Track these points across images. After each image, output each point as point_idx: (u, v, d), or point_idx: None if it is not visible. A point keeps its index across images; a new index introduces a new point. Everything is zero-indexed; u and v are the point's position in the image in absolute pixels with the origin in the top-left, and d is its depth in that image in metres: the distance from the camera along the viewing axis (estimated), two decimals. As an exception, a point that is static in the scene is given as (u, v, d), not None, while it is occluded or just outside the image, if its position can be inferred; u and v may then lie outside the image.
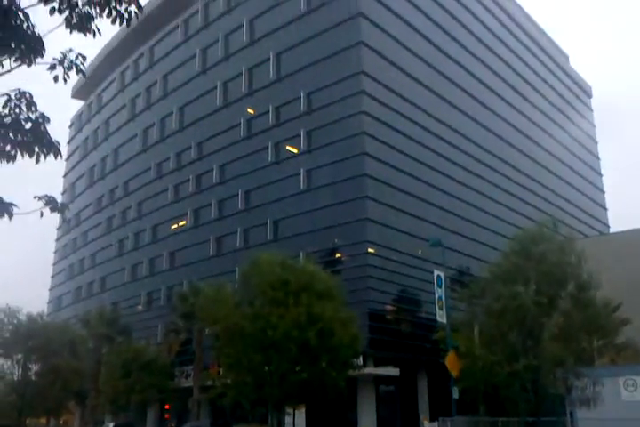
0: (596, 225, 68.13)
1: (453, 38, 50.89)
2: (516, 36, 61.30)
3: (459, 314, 31.47)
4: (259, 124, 47.61)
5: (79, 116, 75.08)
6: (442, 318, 33.97)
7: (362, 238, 39.66)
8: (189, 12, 55.67)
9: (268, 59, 46.90)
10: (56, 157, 6.20)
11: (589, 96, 79.10)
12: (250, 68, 48.82)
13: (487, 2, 57.22)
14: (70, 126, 77.64)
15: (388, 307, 40.91)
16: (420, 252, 41.81)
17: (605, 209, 74.25)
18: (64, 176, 76.37)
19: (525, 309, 20.73)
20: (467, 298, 26.28)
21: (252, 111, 48.47)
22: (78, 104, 75.74)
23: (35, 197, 6.25)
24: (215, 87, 51.41)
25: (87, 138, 71.07)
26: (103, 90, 68.46)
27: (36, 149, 6.09)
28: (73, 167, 73.87)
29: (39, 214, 6.27)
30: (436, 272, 35.33)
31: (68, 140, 77.09)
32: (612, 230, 67.74)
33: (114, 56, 63.77)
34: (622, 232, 47.20)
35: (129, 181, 60.88)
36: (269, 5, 47.73)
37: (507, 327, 22.15)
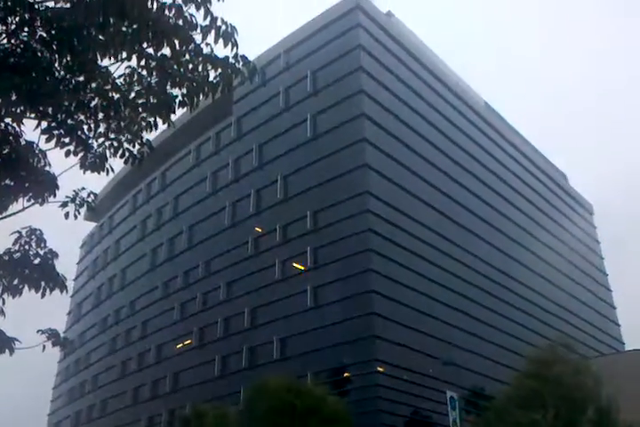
0: (609, 341, 66.45)
1: (456, 162, 53.04)
2: (515, 159, 63.87)
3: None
4: (266, 242, 48.33)
5: (91, 236, 76.59)
6: (457, 443, 32.16)
7: (370, 357, 38.69)
8: (202, 139, 58.69)
9: (276, 180, 48.68)
10: (62, 292, 6.39)
11: (591, 213, 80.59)
12: (258, 189, 50.54)
13: (484, 127, 60.27)
14: (81, 247, 78.94)
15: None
16: (431, 371, 40.50)
17: (618, 325, 72.74)
18: (71, 296, 76.22)
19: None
20: (483, 424, 25.10)
21: (259, 230, 49.44)
22: (90, 225, 77.52)
23: (38, 331, 6.37)
24: (224, 207, 52.90)
25: (97, 258, 71.95)
26: (115, 212, 70.43)
27: (43, 284, 6.31)
28: (81, 287, 74.05)
29: (41, 348, 6.34)
30: (448, 393, 33.99)
31: (77, 260, 78.02)
32: (626, 346, 65.83)
33: (127, 180, 66.30)
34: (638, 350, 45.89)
35: (135, 300, 60.71)
36: (277, 132, 50.40)
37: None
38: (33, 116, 6.58)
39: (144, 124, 7.10)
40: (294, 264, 45.79)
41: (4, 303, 6.47)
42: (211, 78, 6.68)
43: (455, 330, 44.83)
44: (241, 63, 6.49)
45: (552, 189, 70.20)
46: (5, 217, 6.43)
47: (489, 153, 59.09)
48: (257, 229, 49.71)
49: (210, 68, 6.47)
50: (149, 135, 7.42)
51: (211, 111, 54.72)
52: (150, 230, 62.36)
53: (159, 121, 7.16)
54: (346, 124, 45.36)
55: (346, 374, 39.91)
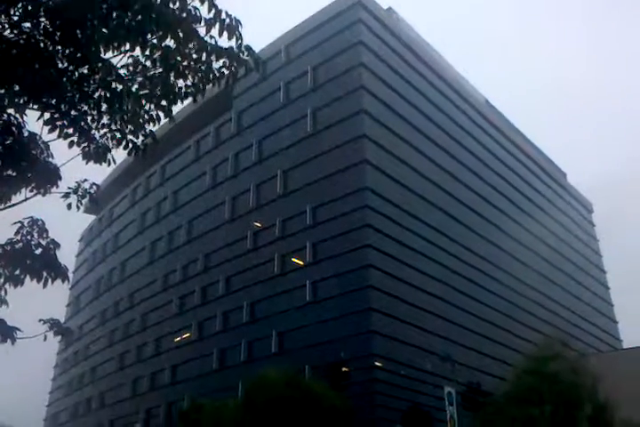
0: (606, 339, 66.65)
1: (456, 159, 53.08)
2: (514, 156, 63.88)
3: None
4: (265, 236, 48.38)
5: (90, 230, 76.61)
6: (454, 438, 32.32)
7: (368, 351, 38.82)
8: (201, 133, 58.62)
9: (276, 175, 48.68)
10: (63, 282, 6.42)
11: (590, 211, 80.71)
12: (258, 184, 50.54)
13: (485, 125, 60.27)
14: (80, 240, 78.96)
15: (397, 425, 39.01)
16: (429, 366, 40.67)
17: (615, 322, 72.95)
18: (70, 288, 76.30)
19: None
20: (481, 420, 25.24)
21: (258, 225, 49.48)
22: (89, 218, 77.52)
23: (39, 321, 6.41)
24: (224, 202, 52.91)
25: (96, 251, 72.00)
26: (115, 205, 70.43)
27: (45, 274, 6.34)
28: (80, 279, 74.11)
29: (43, 338, 6.38)
30: (446, 389, 34.11)
31: (77, 253, 78.06)
32: (624, 344, 66.03)
33: (127, 174, 66.28)
34: (636, 348, 46.01)
35: (134, 293, 60.80)
36: (277, 127, 50.36)
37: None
38: (36, 107, 6.59)
39: (147, 117, 7.11)
40: (293, 259, 45.86)
41: (5, 293, 6.50)
42: (215, 69, 6.68)
43: (453, 326, 44.97)
44: (245, 53, 6.50)
45: (551, 186, 70.31)
46: (7, 207, 6.47)
47: (489, 150, 59.14)
48: (256, 223, 49.74)
49: (214, 58, 6.48)
50: (151, 128, 7.43)
51: (211, 106, 54.74)
52: (149, 224, 62.39)
53: (161, 115, 7.17)
54: (346, 120, 45.34)
55: (344, 369, 39.99)
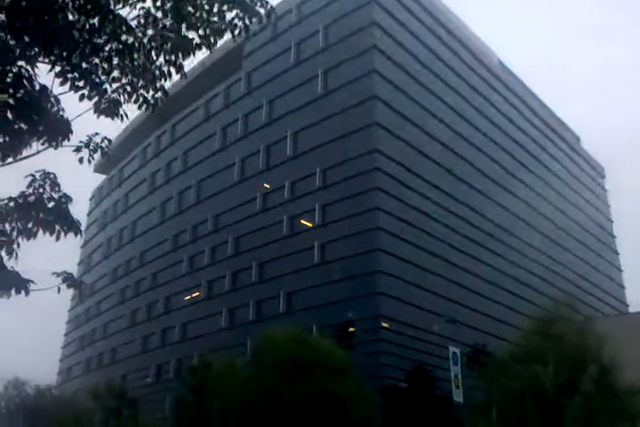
0: (614, 303, 67.00)
1: (467, 121, 52.41)
2: (528, 119, 62.95)
3: (476, 393, 30.55)
4: (274, 198, 48.45)
5: (100, 189, 76.96)
6: (458, 396, 32.91)
7: (375, 313, 39.30)
8: (212, 93, 58.06)
9: (286, 137, 48.37)
10: (76, 236, 6.45)
11: (602, 176, 79.98)
12: (267, 145, 50.30)
13: (499, 86, 59.23)
14: (91, 199, 79.41)
15: (403, 384, 39.82)
16: (435, 327, 41.18)
17: (623, 287, 73.20)
18: (82, 247, 77.25)
19: (545, 391, 20.15)
20: (485, 378, 25.65)
21: (268, 186, 49.47)
22: (100, 177, 77.81)
23: (53, 274, 6.47)
24: (233, 163, 52.82)
25: (107, 210, 72.50)
26: (125, 165, 70.50)
27: (57, 227, 6.37)
28: (91, 238, 74.87)
29: (56, 290, 6.47)
30: (451, 349, 34.58)
31: (87, 212, 78.65)
32: (630, 309, 66.41)
33: (137, 133, 66.11)
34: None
35: (145, 252, 61.46)
36: (288, 88, 49.75)
37: (527, 410, 21.46)
38: (47, 61, 6.52)
39: (157, 72, 7.03)
40: (302, 221, 46.02)
41: (18, 247, 6.54)
42: (227, 21, 6.55)
43: (459, 288, 45.29)
44: (258, 4, 6.36)
45: (564, 150, 69.48)
46: (20, 160, 6.46)
47: (501, 112, 58.27)
48: (266, 185, 49.74)
49: (226, 8, 6.34)
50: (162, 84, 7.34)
51: (220, 65, 54.09)
52: (159, 184, 62.56)
53: (172, 70, 7.08)
54: (357, 81, 44.72)
55: (350, 329, 40.63)
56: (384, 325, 39.35)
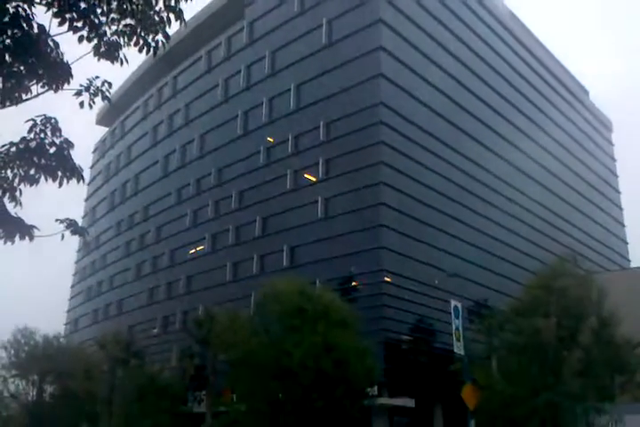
0: (616, 259, 67.33)
1: (473, 72, 51.33)
2: (536, 71, 61.67)
3: (477, 346, 31.04)
4: (278, 152, 48.10)
5: (103, 141, 76.46)
6: (459, 349, 33.47)
7: (378, 267, 39.57)
8: (213, 44, 56.85)
9: (289, 89, 47.59)
10: (78, 182, 6.34)
11: (610, 130, 79.00)
12: (270, 98, 49.56)
13: (508, 38, 57.80)
14: (94, 152, 79.03)
15: (404, 337, 40.49)
16: (437, 282, 41.52)
17: (626, 243, 73.40)
18: (85, 200, 77.43)
19: (547, 344, 20.40)
20: (486, 330, 25.97)
21: (271, 140, 49.03)
22: (102, 130, 77.24)
23: (56, 220, 6.39)
24: (236, 116, 52.19)
25: (110, 163, 72.26)
26: (127, 117, 69.80)
27: (60, 174, 6.25)
28: (94, 192, 74.93)
29: (60, 237, 6.40)
30: (453, 302, 34.94)
31: (90, 164, 78.43)
32: (632, 265, 66.79)
33: (138, 85, 65.15)
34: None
35: (149, 205, 61.57)
36: (291, 38, 48.63)
37: (527, 362, 21.78)
38: (44, 2, 6.26)
39: (157, 18, 6.79)
40: (306, 175, 45.82)
41: (20, 194, 6.45)
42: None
43: (462, 243, 45.41)
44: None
45: (571, 103, 68.34)
46: (20, 102, 6.29)
47: (509, 64, 56.99)
48: (269, 138, 49.28)
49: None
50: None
51: (222, 14, 52.75)
52: (162, 137, 62.09)
53: (172, 17, 6.84)
54: (362, 31, 43.63)
55: (353, 283, 41.01)
56: (387, 279, 39.67)
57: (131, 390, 38.86)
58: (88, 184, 75.68)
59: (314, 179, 45.04)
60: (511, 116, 55.56)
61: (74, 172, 6.29)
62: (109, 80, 6.90)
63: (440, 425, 41.17)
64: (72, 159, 6.32)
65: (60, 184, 6.30)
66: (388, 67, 42.97)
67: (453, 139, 47.57)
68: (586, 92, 74.96)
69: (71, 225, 6.44)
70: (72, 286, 76.16)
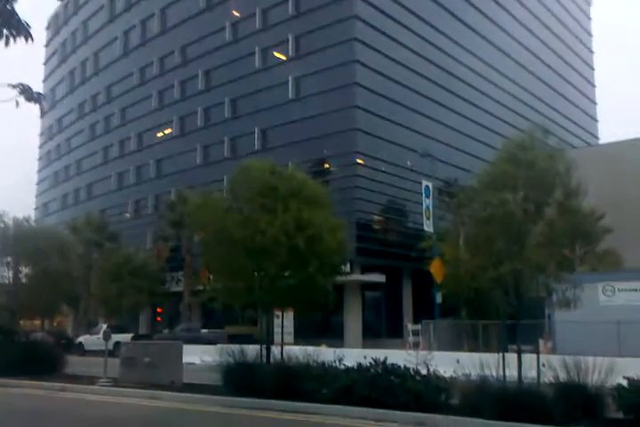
0: (586, 137, 67.86)
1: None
2: None
3: (446, 224, 31.88)
4: (245, 27, 45.62)
5: (56, 17, 71.40)
6: (429, 227, 34.55)
7: (351, 149, 39.35)
8: None
9: (255, -44, 44.12)
10: (27, 40, 5.71)
11: (589, 4, 76.20)
12: (235, -34, 46.03)
13: None
14: (47, 28, 74.02)
15: (376, 217, 41.33)
16: (409, 163, 41.68)
17: (596, 121, 73.68)
18: (43, 81, 73.80)
19: (513, 216, 20.79)
20: (454, 207, 26.39)
21: (237, 14, 46.25)
22: (54, 4, 71.89)
23: (8, 85, 5.85)
24: (199, -13, 48.70)
25: (65, 41, 68.03)
26: (79, -11, 64.73)
27: (5, 32, 5.62)
28: (52, 72, 71.24)
29: (14, 104, 5.89)
30: (424, 183, 35.48)
31: (45, 42, 73.86)
32: (601, 142, 67.57)
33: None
34: (610, 144, 47.18)
35: (111, 86, 58.97)
36: None
37: (493, 234, 22.31)
38: None
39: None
40: (275, 53, 43.90)
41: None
42: None
43: (435, 124, 45.03)
44: None
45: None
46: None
47: None
48: (235, 12, 46.44)
49: None
50: None
51: None
52: (120, 11, 58.09)
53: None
54: None
55: (326, 166, 40.91)
56: (359, 161, 39.59)
57: (108, 271, 39.48)
58: (44, 64, 71.82)
59: (284, 57, 43.19)
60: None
61: (20, 29, 5.64)
62: None
63: (409, 298, 43.36)
64: (17, 14, 5.64)
65: (7, 43, 5.67)
66: None
67: (430, 14, 45.45)
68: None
69: (25, 91, 5.91)
70: (38, 171, 74.77)
